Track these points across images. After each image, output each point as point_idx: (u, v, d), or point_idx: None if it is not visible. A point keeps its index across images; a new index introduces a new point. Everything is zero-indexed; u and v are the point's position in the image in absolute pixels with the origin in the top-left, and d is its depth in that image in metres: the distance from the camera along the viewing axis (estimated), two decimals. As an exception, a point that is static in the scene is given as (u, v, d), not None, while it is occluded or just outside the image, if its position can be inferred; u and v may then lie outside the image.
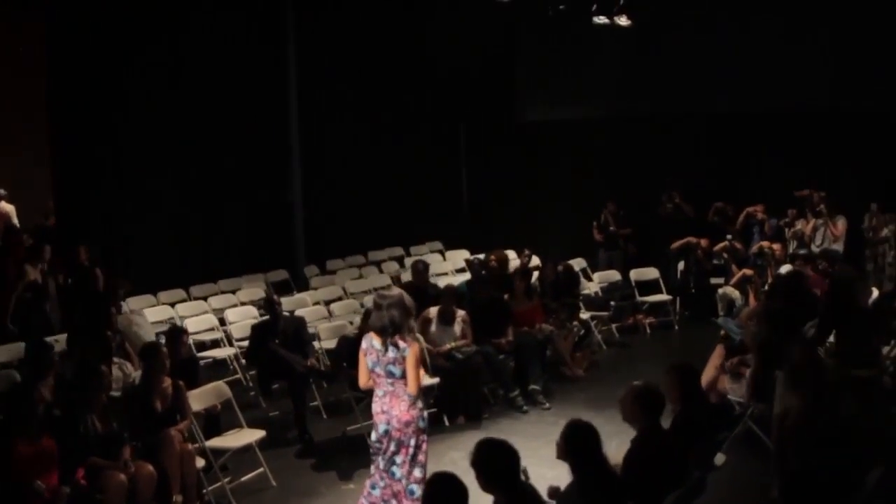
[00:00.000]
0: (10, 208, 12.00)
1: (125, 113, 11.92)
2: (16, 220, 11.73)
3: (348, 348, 8.17)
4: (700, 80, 13.74)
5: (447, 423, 8.51)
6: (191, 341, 9.73)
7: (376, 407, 5.69)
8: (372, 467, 5.83)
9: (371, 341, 5.67)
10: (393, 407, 5.62)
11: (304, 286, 12.53)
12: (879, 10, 12.27)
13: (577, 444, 4.56)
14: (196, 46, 12.50)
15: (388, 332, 5.56)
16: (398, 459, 5.64)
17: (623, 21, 9.17)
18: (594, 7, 9.03)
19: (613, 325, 11.75)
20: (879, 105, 12.57)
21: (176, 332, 7.62)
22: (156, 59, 12.09)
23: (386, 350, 5.60)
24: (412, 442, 5.64)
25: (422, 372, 5.92)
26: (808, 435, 5.27)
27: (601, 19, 9.08)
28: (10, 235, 11.02)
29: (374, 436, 5.76)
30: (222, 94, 12.79)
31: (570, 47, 13.76)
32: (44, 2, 11.10)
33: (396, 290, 5.82)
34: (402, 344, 5.59)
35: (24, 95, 12.21)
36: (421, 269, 10.15)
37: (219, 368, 10.12)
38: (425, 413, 5.80)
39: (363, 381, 5.81)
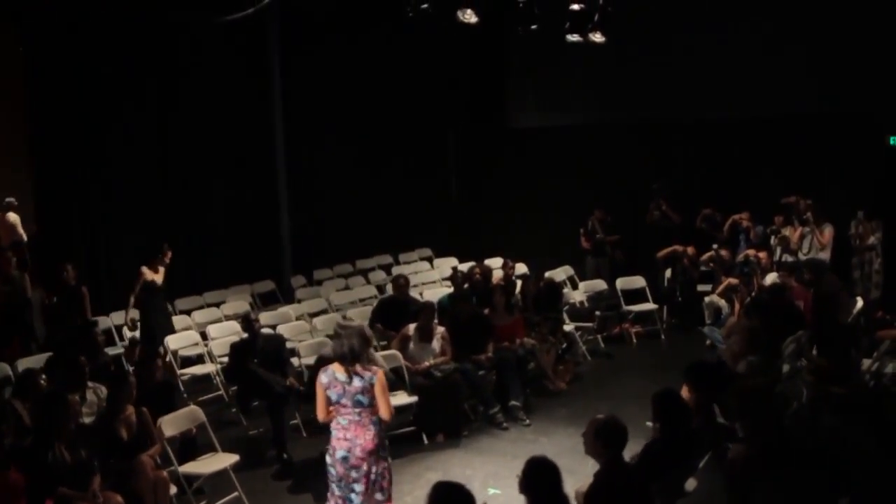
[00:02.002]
0: (15, 218, 11.87)
1: (108, 124, 11.88)
2: (21, 231, 11.61)
3: (326, 367, 8.18)
4: (687, 88, 13.71)
5: (426, 441, 8.49)
6: (171, 358, 9.77)
7: (339, 434, 5.68)
8: (328, 493, 5.83)
9: (333, 374, 5.65)
10: (357, 436, 5.63)
11: (291, 297, 12.53)
12: (861, 13, 12.22)
13: (537, 482, 4.55)
14: (180, 56, 12.47)
15: (347, 360, 5.59)
16: (357, 488, 5.66)
17: (597, 38, 9.11)
18: (567, 25, 8.97)
19: (599, 336, 11.70)
20: (865, 110, 12.51)
21: (149, 357, 7.58)
22: (140, 69, 12.06)
23: (351, 381, 5.60)
24: (374, 469, 5.67)
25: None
26: (762, 479, 5.23)
27: (574, 37, 9.03)
28: None
29: (329, 459, 5.75)
30: (207, 99, 12.77)
31: (558, 55, 13.69)
32: (21, 14, 11.02)
33: (357, 322, 5.88)
34: (367, 373, 5.61)
35: (3, 104, 12.04)
36: (402, 284, 10.12)
37: (201, 384, 10.12)
38: (386, 441, 5.83)
39: (321, 414, 5.78)
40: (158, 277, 10.37)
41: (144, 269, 10.29)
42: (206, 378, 10.20)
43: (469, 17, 8.24)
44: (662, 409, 5.62)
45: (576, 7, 8.89)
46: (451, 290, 11.13)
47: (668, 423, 5.52)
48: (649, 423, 6.69)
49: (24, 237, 10.96)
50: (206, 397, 9.70)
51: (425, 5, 7.80)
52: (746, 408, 5.40)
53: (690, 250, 12.43)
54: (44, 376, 7.36)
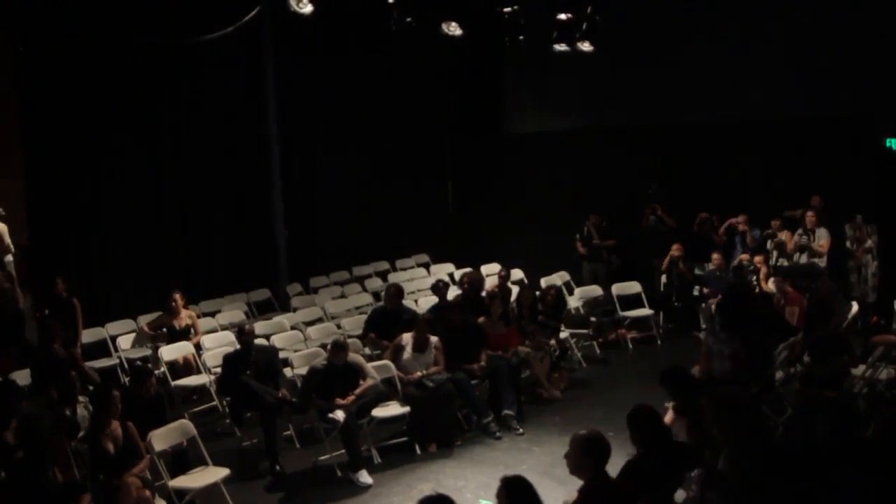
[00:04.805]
0: (2, 227, 11.88)
1: (102, 135, 11.83)
2: (8, 240, 11.61)
3: (317, 379, 8.17)
4: (683, 92, 13.68)
5: (419, 451, 8.47)
6: (164, 369, 9.74)
7: None
8: None
9: None
10: None
11: (287, 306, 12.50)
12: (858, 16, 12.18)
13: (514, 502, 4.51)
14: (175, 66, 12.43)
15: None
16: None
17: (585, 47, 9.08)
18: (554, 35, 8.94)
19: (595, 342, 11.66)
20: (862, 112, 12.47)
21: (141, 374, 7.55)
22: (135, 80, 12.03)
23: None
24: None
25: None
26: (747, 489, 5.19)
27: (561, 47, 8.99)
28: None
29: None
30: (202, 107, 12.75)
31: (554, 60, 13.66)
32: (17, 22, 11.02)
33: None
34: None
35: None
36: (393, 294, 10.08)
37: (195, 394, 10.10)
38: None
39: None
40: (178, 322, 10.38)
41: (163, 317, 10.52)
42: (200, 389, 10.18)
43: (454, 29, 8.22)
44: (636, 427, 5.58)
45: (563, 17, 8.85)
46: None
47: (644, 439, 5.49)
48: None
49: (12, 248, 10.92)
50: (200, 408, 9.69)
51: (409, 19, 7.80)
52: (722, 416, 5.34)
53: (676, 247, 12.27)
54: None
